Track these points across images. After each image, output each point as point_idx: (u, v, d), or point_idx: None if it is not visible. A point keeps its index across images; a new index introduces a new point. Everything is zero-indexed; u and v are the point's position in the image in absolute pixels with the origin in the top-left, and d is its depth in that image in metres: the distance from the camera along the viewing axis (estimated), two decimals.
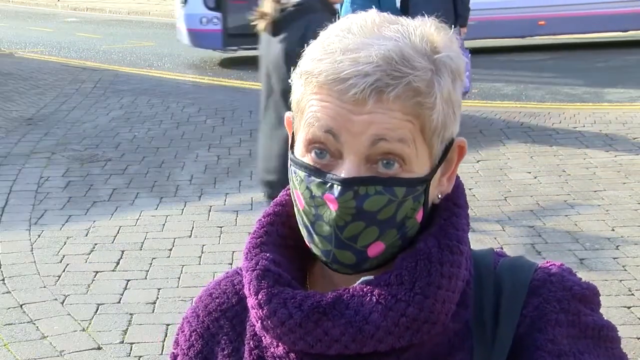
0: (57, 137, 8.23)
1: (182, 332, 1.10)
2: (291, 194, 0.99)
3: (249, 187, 6.57)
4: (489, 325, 0.96)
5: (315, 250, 0.96)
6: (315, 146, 0.93)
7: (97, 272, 4.95)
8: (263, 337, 1.01)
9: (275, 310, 0.94)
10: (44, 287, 4.75)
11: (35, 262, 5.11)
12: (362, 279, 0.96)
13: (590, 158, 7.22)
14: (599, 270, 4.87)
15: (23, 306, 4.51)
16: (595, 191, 6.33)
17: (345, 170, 0.91)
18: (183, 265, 5.05)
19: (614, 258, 5.05)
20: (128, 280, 4.84)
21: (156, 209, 6.12)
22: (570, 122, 8.51)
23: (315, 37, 0.96)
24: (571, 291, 0.97)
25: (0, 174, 6.99)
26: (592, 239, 5.35)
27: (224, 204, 6.22)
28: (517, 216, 5.81)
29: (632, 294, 4.55)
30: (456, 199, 1.01)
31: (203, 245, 5.37)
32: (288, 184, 1.00)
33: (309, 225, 0.95)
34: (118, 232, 5.63)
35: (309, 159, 0.94)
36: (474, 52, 8.43)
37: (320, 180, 0.92)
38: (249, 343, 1.02)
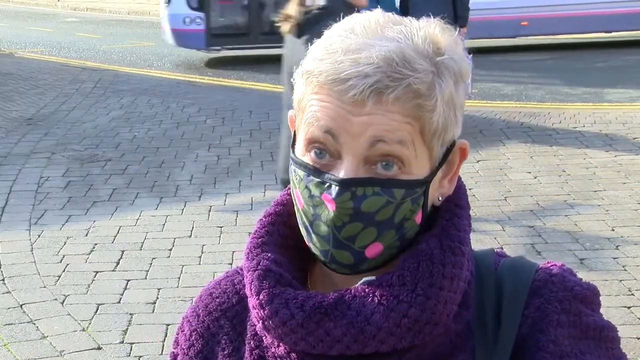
0: (57, 137, 8.22)
1: (182, 331, 1.10)
2: (291, 193, 0.99)
3: (249, 187, 6.57)
4: (491, 326, 0.96)
5: (314, 249, 0.96)
6: (315, 146, 0.93)
7: (97, 272, 4.95)
8: (264, 337, 1.00)
9: (277, 311, 0.94)
10: (44, 287, 4.74)
11: (35, 262, 5.11)
12: (364, 279, 0.95)
13: (590, 158, 7.22)
14: (599, 270, 4.87)
15: (23, 306, 4.51)
16: (595, 191, 6.33)
17: (343, 170, 0.91)
18: (183, 265, 5.05)
19: (614, 258, 5.05)
20: (128, 280, 4.83)
21: (156, 209, 6.11)
22: (570, 122, 8.51)
23: None
24: (572, 292, 0.97)
25: (0, 174, 6.99)
26: (592, 239, 5.35)
27: (224, 204, 6.22)
28: (517, 216, 5.81)
29: (632, 294, 4.55)
30: (458, 200, 1.00)
31: (203, 245, 5.37)
32: None
33: (307, 224, 0.95)
34: (118, 232, 5.63)
35: (308, 158, 0.94)
36: (472, 52, 8.42)
37: (318, 180, 0.92)
38: (250, 343, 1.02)
